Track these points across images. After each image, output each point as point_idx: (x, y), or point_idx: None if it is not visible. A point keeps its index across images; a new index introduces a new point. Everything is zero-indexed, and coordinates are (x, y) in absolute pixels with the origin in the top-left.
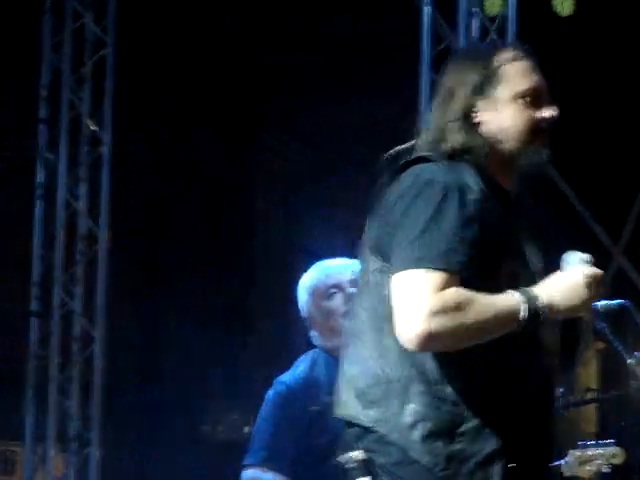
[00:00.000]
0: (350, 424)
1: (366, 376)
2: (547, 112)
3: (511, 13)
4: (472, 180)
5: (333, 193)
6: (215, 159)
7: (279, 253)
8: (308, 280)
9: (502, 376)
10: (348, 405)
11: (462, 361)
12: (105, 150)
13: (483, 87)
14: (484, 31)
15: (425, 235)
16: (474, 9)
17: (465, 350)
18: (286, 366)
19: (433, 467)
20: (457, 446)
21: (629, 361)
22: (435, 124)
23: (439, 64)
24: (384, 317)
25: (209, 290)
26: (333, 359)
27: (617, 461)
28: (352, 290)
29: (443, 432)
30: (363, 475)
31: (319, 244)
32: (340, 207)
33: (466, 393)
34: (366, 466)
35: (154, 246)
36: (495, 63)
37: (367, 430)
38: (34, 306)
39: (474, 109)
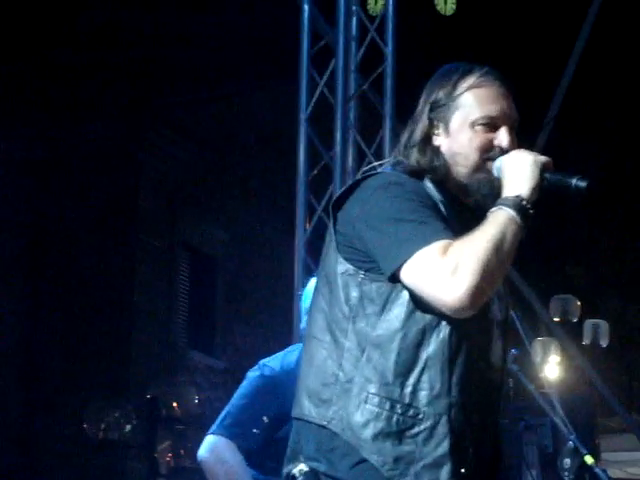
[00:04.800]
0: (300, 423)
1: (320, 376)
2: (497, 141)
3: (390, 12)
4: (431, 193)
5: (218, 189)
6: (100, 154)
7: (163, 250)
8: None
9: (454, 384)
10: (301, 404)
11: (418, 366)
12: None
13: (443, 112)
14: (363, 30)
15: (403, 224)
16: (354, 7)
17: (422, 356)
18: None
19: (381, 466)
20: (406, 448)
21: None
22: (402, 142)
23: (318, 61)
24: (345, 318)
25: (90, 277)
26: None
27: None
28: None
29: (393, 433)
30: None
31: (204, 242)
32: (226, 205)
33: (420, 397)
34: (312, 476)
35: (36, 242)
36: (459, 89)
37: (319, 427)
38: None
39: (435, 132)
